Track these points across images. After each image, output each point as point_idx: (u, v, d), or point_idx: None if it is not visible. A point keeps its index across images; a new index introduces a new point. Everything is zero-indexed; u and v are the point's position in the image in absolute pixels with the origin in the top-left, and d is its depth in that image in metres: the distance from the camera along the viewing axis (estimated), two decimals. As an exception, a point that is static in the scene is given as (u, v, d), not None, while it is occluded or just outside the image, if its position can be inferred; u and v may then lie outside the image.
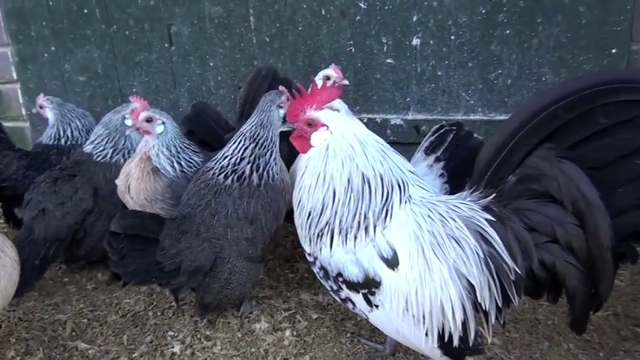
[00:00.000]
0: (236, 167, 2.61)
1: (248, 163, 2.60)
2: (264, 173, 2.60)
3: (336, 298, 2.20)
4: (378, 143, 2.09)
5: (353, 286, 2.07)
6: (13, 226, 3.47)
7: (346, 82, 3.10)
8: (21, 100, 4.10)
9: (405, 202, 2.04)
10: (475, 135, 3.01)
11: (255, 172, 2.59)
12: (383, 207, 2.01)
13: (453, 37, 3.26)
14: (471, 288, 1.96)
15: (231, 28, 3.55)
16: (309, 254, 2.17)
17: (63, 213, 2.97)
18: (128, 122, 3.05)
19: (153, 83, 3.82)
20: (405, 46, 3.35)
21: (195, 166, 2.84)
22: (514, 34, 3.17)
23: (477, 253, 1.95)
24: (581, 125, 1.81)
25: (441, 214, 2.02)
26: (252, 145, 2.62)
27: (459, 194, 2.10)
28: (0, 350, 2.68)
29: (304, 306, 2.92)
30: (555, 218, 1.86)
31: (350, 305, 2.17)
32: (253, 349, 2.63)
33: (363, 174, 2.01)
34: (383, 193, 2.02)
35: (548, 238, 1.89)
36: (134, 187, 2.77)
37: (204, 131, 3.30)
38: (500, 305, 1.99)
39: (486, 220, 1.95)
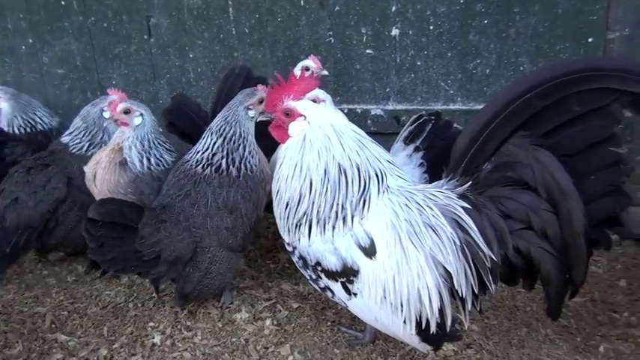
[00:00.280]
0: (211, 161, 2.61)
1: (222, 157, 2.61)
2: (242, 166, 2.62)
3: (316, 287, 2.22)
4: (355, 133, 2.10)
5: (332, 275, 2.08)
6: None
7: (325, 72, 3.10)
8: None
9: (383, 191, 2.05)
10: (454, 124, 3.03)
11: (232, 166, 2.60)
12: (360, 197, 2.02)
13: (431, 28, 3.27)
14: (448, 275, 1.98)
15: (210, 20, 3.54)
16: (288, 244, 2.18)
17: (36, 201, 2.97)
18: (106, 115, 3.04)
19: (132, 75, 3.81)
20: (385, 37, 3.36)
21: (164, 165, 2.83)
22: (492, 24, 3.18)
23: (454, 241, 1.97)
24: (555, 113, 1.83)
25: (418, 203, 2.03)
26: (221, 140, 2.62)
27: (436, 183, 2.12)
28: (-21, 343, 2.68)
29: (285, 296, 2.93)
30: (530, 205, 1.88)
31: (329, 294, 2.18)
32: (234, 339, 2.64)
33: (339, 164, 2.02)
34: (360, 183, 2.03)
35: (522, 225, 1.91)
36: (100, 175, 2.77)
37: (185, 123, 3.28)
38: (476, 292, 2.02)
39: (462, 207, 1.97)
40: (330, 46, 3.43)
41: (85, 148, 3.07)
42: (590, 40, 3.09)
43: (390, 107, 3.49)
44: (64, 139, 3.13)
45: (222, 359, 2.53)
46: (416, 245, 1.99)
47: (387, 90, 3.47)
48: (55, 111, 3.90)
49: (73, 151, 3.08)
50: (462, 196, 2.00)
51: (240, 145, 2.62)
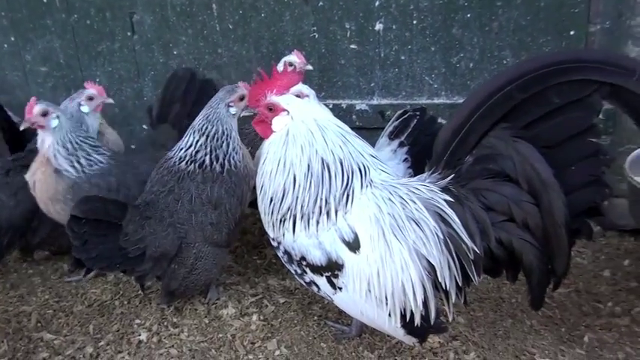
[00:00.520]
0: (194, 157, 2.61)
1: (205, 154, 2.61)
2: (225, 162, 2.61)
3: (301, 281, 2.22)
4: (339, 128, 2.10)
5: (316, 270, 2.09)
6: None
7: (310, 67, 3.10)
8: (-18, 93, 4.03)
9: (366, 186, 2.06)
10: (439, 120, 3.05)
11: (215, 162, 2.60)
12: (344, 192, 2.03)
13: (415, 22, 3.28)
14: (431, 268, 2.00)
15: (193, 16, 3.53)
16: (273, 239, 2.19)
17: (16, 202, 2.95)
18: (84, 109, 3.02)
19: (116, 73, 3.79)
20: (368, 32, 3.36)
21: (96, 164, 2.78)
22: (475, 18, 3.19)
23: (437, 234, 1.98)
24: (535, 105, 1.85)
25: (401, 197, 2.04)
26: (203, 138, 2.61)
27: (418, 176, 2.13)
28: (-35, 344, 2.67)
29: (271, 291, 2.94)
30: (511, 197, 1.90)
31: (315, 288, 2.19)
32: (220, 335, 2.64)
33: (322, 159, 2.03)
34: (343, 178, 2.03)
35: (504, 217, 1.93)
36: (38, 186, 2.74)
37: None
38: (460, 284, 2.03)
39: (445, 200, 1.99)
40: (314, 42, 3.43)
41: None
42: (572, 33, 3.10)
43: (374, 102, 3.50)
44: None
45: (209, 355, 2.53)
46: (399, 239, 2.00)
47: (372, 85, 3.47)
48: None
49: None
50: (445, 189, 2.01)
51: (223, 142, 2.62)
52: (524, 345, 2.50)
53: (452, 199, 1.98)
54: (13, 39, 3.78)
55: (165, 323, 2.74)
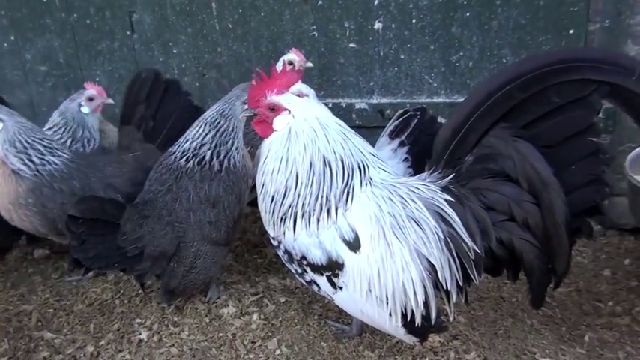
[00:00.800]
0: (197, 152, 2.61)
1: (209, 149, 2.60)
2: (225, 160, 2.61)
3: (301, 280, 2.23)
4: (339, 126, 2.11)
5: (317, 269, 2.09)
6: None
7: (310, 64, 3.11)
8: (-18, 92, 4.02)
9: (366, 184, 2.06)
10: (439, 120, 3.05)
11: (215, 159, 2.60)
12: (344, 189, 2.03)
13: (414, 21, 3.27)
14: (432, 268, 2.00)
15: (193, 15, 3.53)
16: (274, 238, 2.19)
17: None
18: (84, 110, 3.02)
19: (116, 72, 3.78)
20: (368, 31, 3.35)
21: (49, 165, 2.75)
22: (474, 17, 3.19)
23: (437, 234, 1.98)
24: (535, 104, 1.85)
25: (401, 196, 2.05)
26: (213, 132, 2.61)
27: (418, 176, 2.13)
28: (-35, 343, 2.67)
29: (272, 290, 2.94)
30: (511, 197, 1.91)
31: (315, 287, 2.20)
32: (221, 334, 2.64)
33: (324, 157, 2.03)
34: (344, 175, 2.04)
35: (505, 217, 1.94)
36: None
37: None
38: (461, 284, 2.03)
39: (445, 200, 1.99)
40: (314, 41, 3.43)
41: (67, 145, 3.03)
42: (571, 31, 3.10)
43: (374, 101, 3.49)
44: None
45: (209, 354, 2.54)
46: (400, 239, 2.00)
47: (372, 84, 3.47)
48: (39, 109, 3.89)
49: None
50: (445, 189, 2.01)
51: (229, 139, 2.62)
52: (525, 344, 2.50)
53: (452, 199, 1.98)
54: (13, 38, 3.77)
55: (166, 322, 2.74)
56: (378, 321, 2.14)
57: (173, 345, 2.60)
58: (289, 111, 2.08)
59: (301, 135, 2.05)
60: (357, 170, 2.05)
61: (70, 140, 3.04)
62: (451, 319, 2.18)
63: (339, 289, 2.11)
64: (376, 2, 3.27)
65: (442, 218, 1.99)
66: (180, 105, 3.09)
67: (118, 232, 2.46)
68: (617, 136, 3.12)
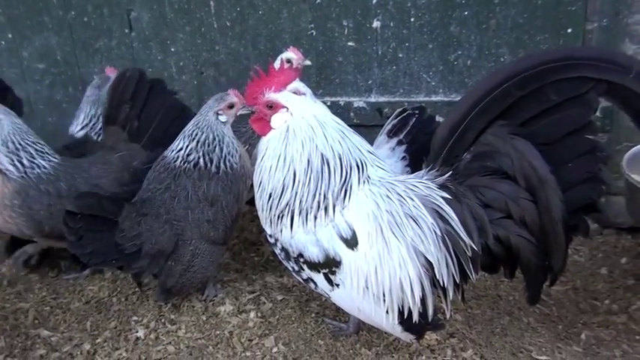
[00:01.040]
0: (187, 159, 2.61)
1: (199, 157, 2.61)
2: (221, 164, 2.62)
3: (298, 278, 2.23)
4: (337, 124, 2.11)
5: (314, 267, 2.09)
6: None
7: (308, 62, 3.10)
8: (-21, 89, 4.02)
9: (364, 182, 2.07)
10: (437, 118, 3.05)
11: (210, 164, 2.61)
12: (342, 187, 2.03)
13: (412, 19, 3.28)
14: (429, 265, 2.00)
15: (191, 13, 3.53)
16: (271, 236, 2.19)
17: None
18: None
19: (114, 70, 3.78)
20: (366, 29, 3.35)
21: (39, 168, 2.75)
22: (472, 16, 3.19)
23: (435, 231, 1.98)
24: (532, 102, 1.85)
25: (398, 194, 2.05)
26: (194, 143, 2.61)
27: (416, 173, 2.14)
28: (-38, 340, 2.66)
29: (269, 288, 2.94)
30: (509, 194, 1.91)
31: (312, 285, 2.20)
32: (218, 332, 2.64)
33: (322, 154, 2.03)
34: (342, 173, 2.04)
35: (502, 214, 1.94)
36: None
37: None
38: (458, 281, 2.04)
39: (443, 198, 1.99)
40: (312, 39, 3.43)
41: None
42: (569, 30, 3.10)
43: (372, 99, 3.49)
44: (80, 132, 3.14)
45: (206, 352, 2.53)
46: (397, 236, 2.00)
47: (370, 82, 3.47)
48: (36, 107, 3.89)
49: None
50: (442, 187, 2.02)
51: (215, 147, 2.61)
52: (522, 342, 2.50)
53: (449, 197, 1.99)
54: (10, 36, 3.77)
55: (163, 320, 2.74)
56: (375, 319, 2.14)
57: (170, 343, 2.59)
58: (287, 109, 2.08)
59: (299, 132, 2.05)
60: (355, 168, 2.06)
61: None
62: (448, 316, 2.17)
63: (336, 286, 2.11)
64: (374, 1, 3.28)
65: (439, 215, 1.99)
66: (165, 104, 3.08)
67: (116, 229, 2.46)
68: (614, 134, 3.12)
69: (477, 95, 1.90)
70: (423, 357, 2.44)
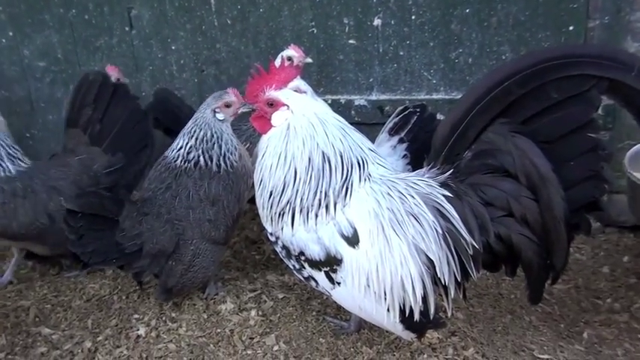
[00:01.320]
0: (187, 158, 2.62)
1: (198, 155, 2.61)
2: (221, 162, 2.62)
3: (299, 276, 2.22)
4: (338, 122, 2.10)
5: (315, 265, 2.09)
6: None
7: (309, 59, 3.09)
8: (-20, 87, 4.02)
9: (365, 179, 2.06)
10: (438, 116, 3.04)
11: (210, 162, 2.61)
12: (343, 185, 2.03)
13: (413, 17, 3.27)
14: (430, 263, 2.00)
15: (191, 11, 3.52)
16: (271, 234, 2.18)
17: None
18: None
19: (114, 68, 3.77)
20: (367, 27, 3.35)
21: (4, 172, 2.78)
22: (473, 13, 3.18)
23: (436, 229, 1.98)
24: (533, 100, 1.85)
25: (400, 192, 2.04)
26: (193, 141, 2.62)
27: (417, 171, 2.13)
28: (-37, 338, 2.66)
29: (270, 286, 2.94)
30: (510, 192, 1.90)
31: (313, 283, 2.19)
32: (219, 330, 2.64)
33: (323, 152, 2.02)
34: (343, 170, 2.03)
35: (503, 212, 1.93)
36: None
37: (170, 118, 3.26)
38: (459, 279, 2.03)
39: (444, 196, 1.99)
40: (313, 37, 3.42)
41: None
42: (571, 28, 3.09)
43: (373, 97, 3.49)
44: None
45: (207, 350, 2.53)
46: (398, 234, 2.00)
47: (371, 80, 3.46)
48: (37, 105, 3.89)
49: None
50: (444, 185, 2.01)
51: (214, 143, 2.62)
52: (523, 341, 2.50)
53: (451, 195, 1.98)
54: (11, 34, 3.77)
55: (164, 318, 2.74)
56: (376, 317, 2.14)
57: (171, 341, 2.59)
58: (288, 106, 2.07)
59: (300, 130, 2.04)
60: (356, 166, 2.05)
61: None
62: (449, 315, 2.17)
63: (337, 284, 2.10)
64: (375, -1, 3.27)
65: (440, 213, 1.98)
66: (128, 109, 3.07)
67: (117, 229, 2.46)
68: (616, 132, 3.12)
69: (478, 93, 1.89)
70: (425, 355, 2.43)
